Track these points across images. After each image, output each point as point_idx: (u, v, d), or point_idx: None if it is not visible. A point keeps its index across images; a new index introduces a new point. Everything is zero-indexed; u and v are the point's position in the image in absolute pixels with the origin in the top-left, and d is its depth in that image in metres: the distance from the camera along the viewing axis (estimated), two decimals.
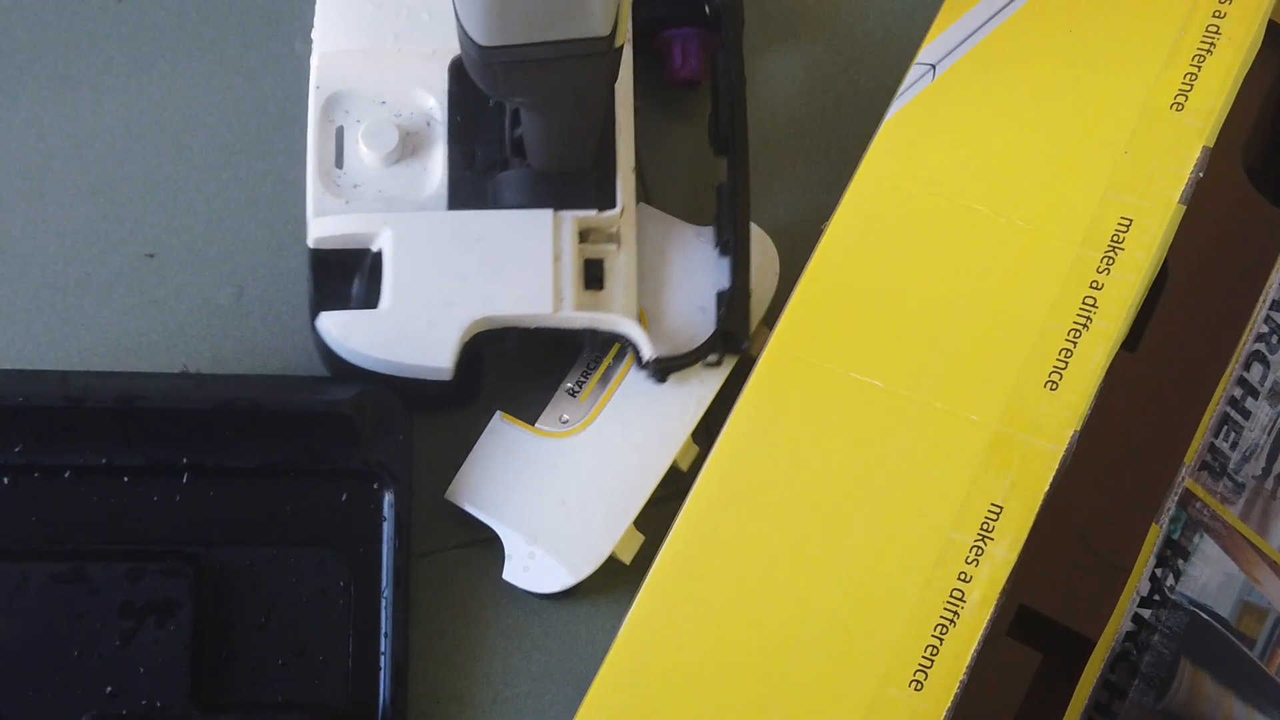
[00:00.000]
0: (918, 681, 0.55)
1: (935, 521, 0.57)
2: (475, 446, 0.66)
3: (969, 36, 0.63)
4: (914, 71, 0.64)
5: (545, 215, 0.63)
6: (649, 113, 0.69)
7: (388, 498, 0.64)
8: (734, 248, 0.64)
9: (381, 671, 0.62)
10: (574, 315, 0.63)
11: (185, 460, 0.63)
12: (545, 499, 0.64)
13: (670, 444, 0.64)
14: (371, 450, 0.64)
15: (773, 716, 0.56)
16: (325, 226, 0.64)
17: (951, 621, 0.55)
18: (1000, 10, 0.64)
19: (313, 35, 0.66)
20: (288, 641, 0.62)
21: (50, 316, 0.68)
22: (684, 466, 0.65)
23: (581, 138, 0.62)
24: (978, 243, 0.60)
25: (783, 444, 0.59)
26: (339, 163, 0.65)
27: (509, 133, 0.65)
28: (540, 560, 0.64)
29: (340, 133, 0.65)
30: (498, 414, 0.66)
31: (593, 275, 0.65)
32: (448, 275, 0.63)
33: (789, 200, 0.71)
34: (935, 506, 0.57)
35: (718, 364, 0.65)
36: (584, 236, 0.64)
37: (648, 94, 0.69)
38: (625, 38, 0.56)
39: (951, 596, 0.56)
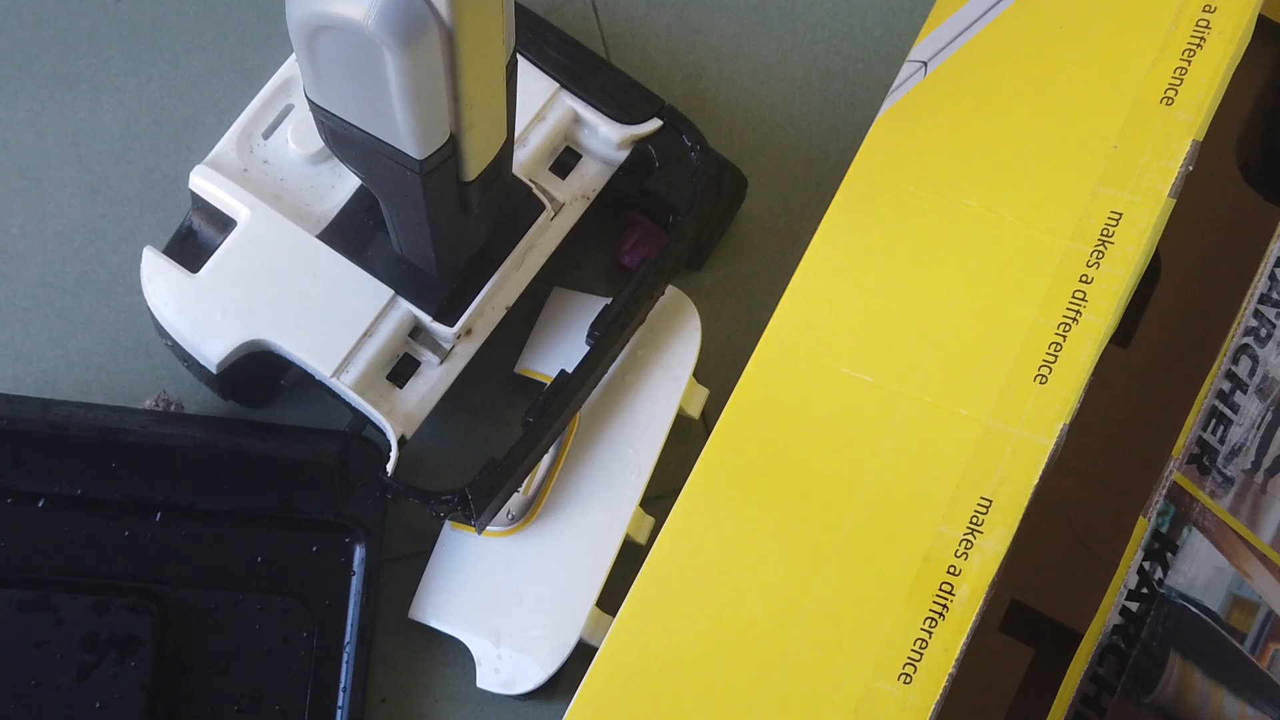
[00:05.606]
0: (907, 675, 0.55)
1: (925, 515, 0.57)
2: (430, 561, 0.65)
3: (960, 34, 0.63)
4: (906, 69, 0.64)
5: (383, 292, 0.63)
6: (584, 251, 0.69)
7: (359, 552, 0.64)
8: (528, 435, 0.63)
9: None
10: (348, 391, 0.62)
11: (161, 498, 0.63)
12: (503, 598, 0.64)
13: (619, 520, 0.64)
14: (347, 504, 0.64)
15: (763, 710, 0.56)
16: (207, 178, 0.64)
17: (940, 615, 0.55)
18: (991, 7, 0.64)
19: None
20: (245, 687, 0.62)
21: (49, 314, 0.68)
22: (640, 539, 0.65)
23: (421, 238, 0.60)
24: (969, 237, 0.60)
25: (773, 440, 0.59)
26: (266, 134, 0.65)
27: None
28: (509, 660, 0.63)
29: (286, 111, 0.65)
30: (447, 523, 0.66)
31: (400, 371, 0.64)
32: (268, 285, 0.63)
33: (786, 197, 0.71)
34: (925, 500, 0.57)
35: (440, 518, 0.64)
36: (415, 334, 0.64)
37: (590, 236, 0.68)
38: (473, 176, 0.55)
39: (940, 590, 0.56)
